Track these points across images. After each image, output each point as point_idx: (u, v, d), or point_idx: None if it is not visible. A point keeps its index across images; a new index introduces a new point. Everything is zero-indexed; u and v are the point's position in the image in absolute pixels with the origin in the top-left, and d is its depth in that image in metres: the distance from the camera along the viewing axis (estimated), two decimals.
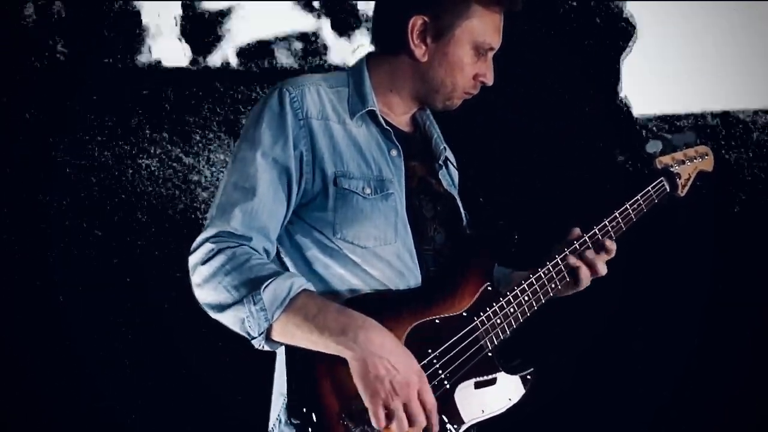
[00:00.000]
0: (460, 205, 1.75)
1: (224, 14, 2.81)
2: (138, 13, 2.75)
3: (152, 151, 2.73)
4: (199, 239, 1.43)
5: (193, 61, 2.78)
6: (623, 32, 2.87)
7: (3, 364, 2.59)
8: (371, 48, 1.69)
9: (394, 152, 1.58)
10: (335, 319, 1.35)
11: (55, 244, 2.67)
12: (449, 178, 1.79)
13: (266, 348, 1.40)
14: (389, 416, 1.32)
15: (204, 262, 1.39)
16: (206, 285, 1.39)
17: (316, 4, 2.86)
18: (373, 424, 1.34)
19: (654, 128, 2.70)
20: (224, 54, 2.81)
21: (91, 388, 2.65)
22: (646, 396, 2.88)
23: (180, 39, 2.77)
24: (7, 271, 2.62)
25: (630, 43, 2.84)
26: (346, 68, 1.96)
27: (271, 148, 1.46)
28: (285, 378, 1.45)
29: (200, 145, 2.78)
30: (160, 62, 2.76)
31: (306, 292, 1.38)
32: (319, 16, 2.87)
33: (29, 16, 2.67)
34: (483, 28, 1.56)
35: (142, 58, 2.74)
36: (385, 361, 1.33)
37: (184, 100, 2.76)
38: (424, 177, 1.66)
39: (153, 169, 2.74)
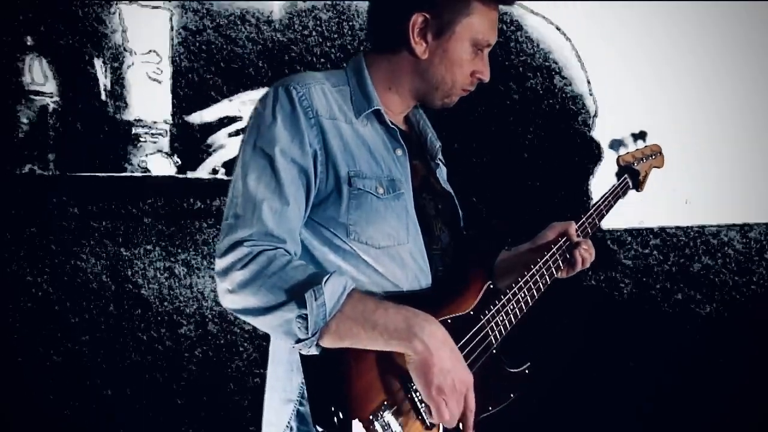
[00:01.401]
0: (457, 203, 1.76)
1: (213, 128, 2.90)
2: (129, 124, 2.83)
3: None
4: (228, 241, 1.37)
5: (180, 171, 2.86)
6: None
7: (3, 365, 2.61)
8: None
9: (399, 152, 1.57)
10: (396, 313, 1.34)
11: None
12: (444, 176, 1.80)
13: (312, 351, 1.35)
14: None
15: (242, 267, 1.33)
16: (243, 290, 1.33)
17: None
18: (435, 418, 1.35)
19: None
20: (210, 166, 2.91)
21: (91, 390, 2.68)
22: (644, 394, 2.90)
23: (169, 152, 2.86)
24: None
25: None
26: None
27: (289, 147, 1.43)
28: (295, 384, 1.45)
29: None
30: (148, 171, 2.83)
31: (357, 290, 1.37)
32: None
33: (22, 125, 2.74)
34: (482, 25, 1.55)
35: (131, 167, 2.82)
36: (449, 355, 1.34)
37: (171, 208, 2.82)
38: (425, 176, 1.66)
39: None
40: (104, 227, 2.74)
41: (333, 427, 1.30)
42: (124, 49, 2.83)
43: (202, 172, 2.90)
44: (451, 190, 1.77)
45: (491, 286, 1.61)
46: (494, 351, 1.58)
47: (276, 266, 1.33)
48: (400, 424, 1.37)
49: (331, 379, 1.35)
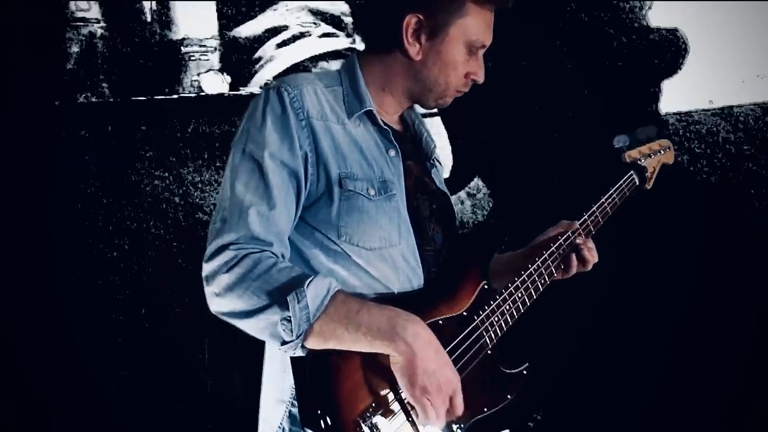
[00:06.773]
0: (452, 202, 1.75)
1: (261, 40, 2.83)
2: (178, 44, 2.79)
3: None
4: (215, 245, 1.37)
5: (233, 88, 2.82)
6: None
7: (4, 366, 2.67)
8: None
9: (392, 152, 1.56)
10: (380, 314, 1.34)
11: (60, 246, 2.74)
12: (440, 176, 1.78)
13: (299, 353, 1.35)
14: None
15: (227, 270, 1.34)
16: (229, 293, 1.34)
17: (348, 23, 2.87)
18: (422, 419, 1.35)
19: None
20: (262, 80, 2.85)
21: (92, 391, 2.73)
22: (642, 392, 2.85)
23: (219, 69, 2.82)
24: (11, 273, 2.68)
25: None
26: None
27: (278, 150, 1.42)
28: (287, 384, 1.44)
29: None
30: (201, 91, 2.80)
31: (342, 291, 1.37)
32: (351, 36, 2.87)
33: (72, 54, 2.74)
34: (476, 27, 1.54)
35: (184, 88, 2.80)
36: (433, 356, 1.34)
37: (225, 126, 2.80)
38: (419, 176, 1.64)
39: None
40: (163, 150, 2.75)
41: (321, 429, 1.30)
42: None
43: (254, 87, 2.85)
44: (447, 190, 1.75)
45: (486, 286, 1.58)
46: (489, 352, 1.55)
47: (261, 269, 1.33)
48: (389, 426, 1.35)
49: (318, 381, 1.33)
